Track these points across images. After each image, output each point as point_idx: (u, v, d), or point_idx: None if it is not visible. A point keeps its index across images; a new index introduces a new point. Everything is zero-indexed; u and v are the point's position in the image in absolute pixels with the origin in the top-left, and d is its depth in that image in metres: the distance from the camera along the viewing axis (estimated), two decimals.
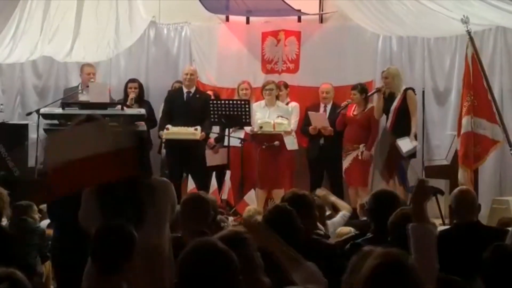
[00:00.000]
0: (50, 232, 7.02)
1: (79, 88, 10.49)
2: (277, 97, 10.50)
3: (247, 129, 10.38)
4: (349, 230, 6.57)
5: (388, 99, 9.99)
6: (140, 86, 10.72)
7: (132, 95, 10.49)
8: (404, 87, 9.99)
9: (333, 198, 7.16)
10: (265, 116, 10.32)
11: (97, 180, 3.86)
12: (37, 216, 7.31)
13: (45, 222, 7.46)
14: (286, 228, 4.36)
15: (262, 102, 10.50)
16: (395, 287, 2.74)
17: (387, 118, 10.00)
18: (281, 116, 10.31)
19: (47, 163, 3.35)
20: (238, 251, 3.18)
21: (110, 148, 3.72)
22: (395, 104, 9.88)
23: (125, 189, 4.27)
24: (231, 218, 8.03)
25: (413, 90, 10.02)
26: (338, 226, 6.67)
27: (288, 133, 10.31)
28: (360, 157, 10.09)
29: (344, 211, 6.96)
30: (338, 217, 6.82)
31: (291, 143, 10.43)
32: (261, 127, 10.21)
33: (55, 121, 9.84)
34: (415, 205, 3.68)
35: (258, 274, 3.51)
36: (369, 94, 10.28)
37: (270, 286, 3.51)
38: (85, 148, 3.70)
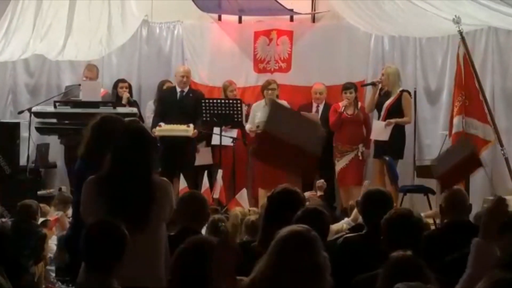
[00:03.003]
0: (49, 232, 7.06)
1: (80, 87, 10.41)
2: (277, 96, 10.49)
3: (246, 128, 10.37)
4: (341, 226, 6.58)
5: (384, 96, 10.01)
6: (130, 86, 10.76)
7: (126, 94, 10.53)
8: (401, 89, 10.01)
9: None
10: (265, 115, 10.28)
11: (284, 167, 3.96)
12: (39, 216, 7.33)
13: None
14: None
15: (262, 102, 10.47)
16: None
17: (379, 116, 10.01)
18: None
19: (266, 123, 3.44)
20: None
21: (305, 147, 3.79)
22: (388, 101, 9.90)
23: (129, 186, 4.26)
24: None
25: (409, 93, 10.05)
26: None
27: None
28: (360, 157, 10.11)
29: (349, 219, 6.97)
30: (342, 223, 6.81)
31: None
32: (257, 126, 10.21)
33: (47, 120, 9.84)
34: (491, 221, 3.46)
35: None
36: (363, 84, 10.30)
37: None
38: (294, 134, 3.78)
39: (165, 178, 4.58)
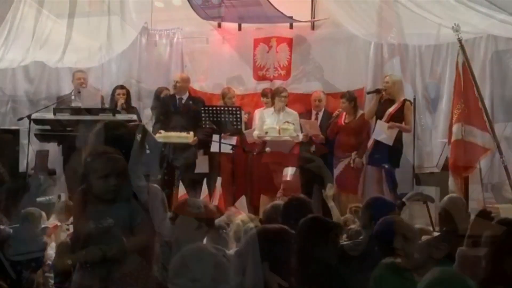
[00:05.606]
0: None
1: (72, 95, 10.45)
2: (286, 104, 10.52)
3: (254, 134, 10.38)
4: None
5: (385, 104, 10.02)
6: (128, 93, 10.75)
7: (121, 101, 10.53)
8: (403, 97, 10.02)
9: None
10: (274, 122, 10.33)
11: None
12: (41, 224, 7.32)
13: None
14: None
15: (271, 109, 10.50)
16: None
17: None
18: (288, 122, 10.32)
19: None
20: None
21: None
22: (391, 109, 9.91)
23: (116, 195, 4.26)
24: None
25: (411, 102, 10.06)
26: None
27: (295, 138, 10.31)
28: (352, 165, 10.12)
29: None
30: None
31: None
32: (266, 133, 10.24)
33: (47, 127, 9.84)
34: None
35: None
36: (369, 92, 10.31)
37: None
38: None
39: (155, 185, 4.58)
